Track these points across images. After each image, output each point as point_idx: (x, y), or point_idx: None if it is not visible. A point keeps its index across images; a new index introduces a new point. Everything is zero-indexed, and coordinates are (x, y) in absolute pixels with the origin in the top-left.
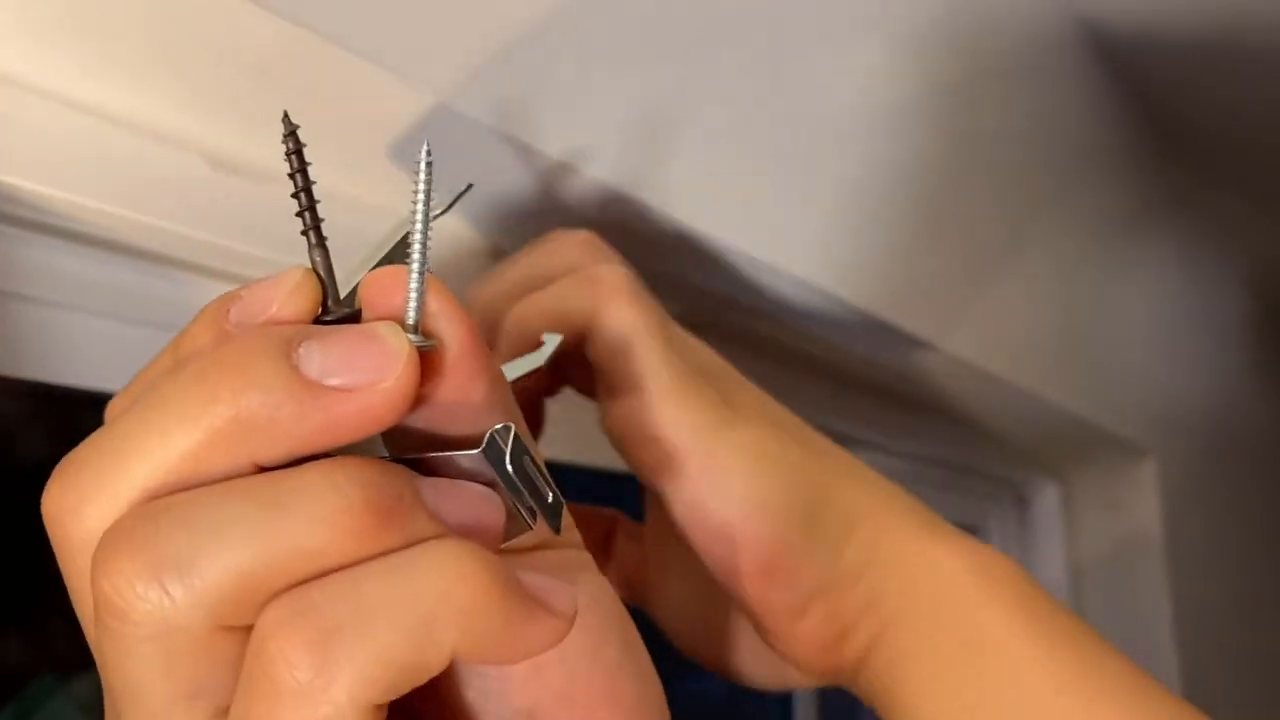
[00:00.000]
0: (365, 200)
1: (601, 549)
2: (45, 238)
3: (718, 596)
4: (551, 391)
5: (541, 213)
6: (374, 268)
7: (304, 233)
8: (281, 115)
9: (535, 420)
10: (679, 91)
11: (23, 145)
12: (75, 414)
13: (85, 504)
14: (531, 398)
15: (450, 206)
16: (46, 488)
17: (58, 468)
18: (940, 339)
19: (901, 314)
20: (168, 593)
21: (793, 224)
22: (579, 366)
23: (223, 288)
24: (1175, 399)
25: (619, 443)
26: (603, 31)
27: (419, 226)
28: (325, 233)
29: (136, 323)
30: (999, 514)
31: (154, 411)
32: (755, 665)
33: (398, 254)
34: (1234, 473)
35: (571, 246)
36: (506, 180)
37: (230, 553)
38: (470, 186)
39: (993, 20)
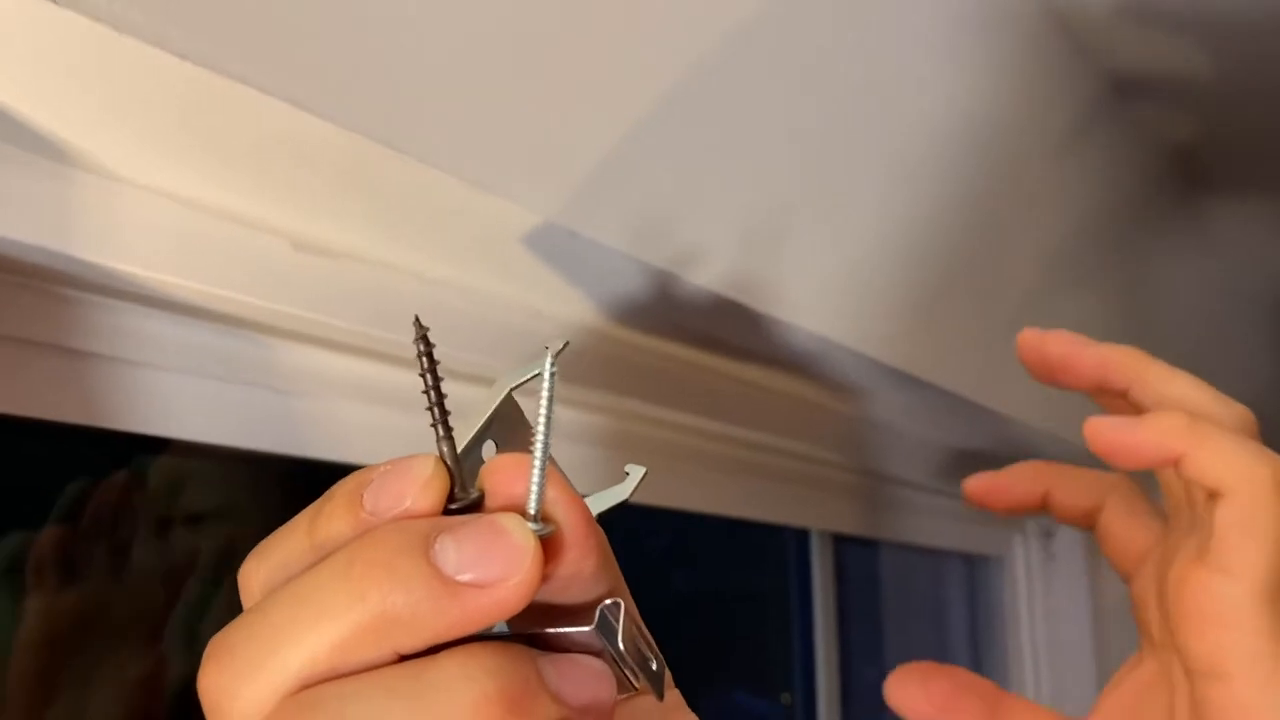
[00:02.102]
0: (427, 274)
1: None
2: (153, 311)
3: None
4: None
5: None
6: (477, 432)
7: (433, 425)
8: (413, 319)
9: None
10: (758, 194)
11: (137, 235)
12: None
13: (241, 687)
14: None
15: (554, 376)
16: (203, 666)
17: (211, 647)
18: (975, 394)
19: (944, 376)
20: None
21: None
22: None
23: (305, 351)
24: None
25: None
26: (689, 151)
27: (542, 425)
28: (451, 423)
29: (230, 381)
30: (1024, 546)
31: (304, 604)
32: None
33: (501, 421)
34: None
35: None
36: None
37: None
38: (566, 344)
39: (1026, 78)
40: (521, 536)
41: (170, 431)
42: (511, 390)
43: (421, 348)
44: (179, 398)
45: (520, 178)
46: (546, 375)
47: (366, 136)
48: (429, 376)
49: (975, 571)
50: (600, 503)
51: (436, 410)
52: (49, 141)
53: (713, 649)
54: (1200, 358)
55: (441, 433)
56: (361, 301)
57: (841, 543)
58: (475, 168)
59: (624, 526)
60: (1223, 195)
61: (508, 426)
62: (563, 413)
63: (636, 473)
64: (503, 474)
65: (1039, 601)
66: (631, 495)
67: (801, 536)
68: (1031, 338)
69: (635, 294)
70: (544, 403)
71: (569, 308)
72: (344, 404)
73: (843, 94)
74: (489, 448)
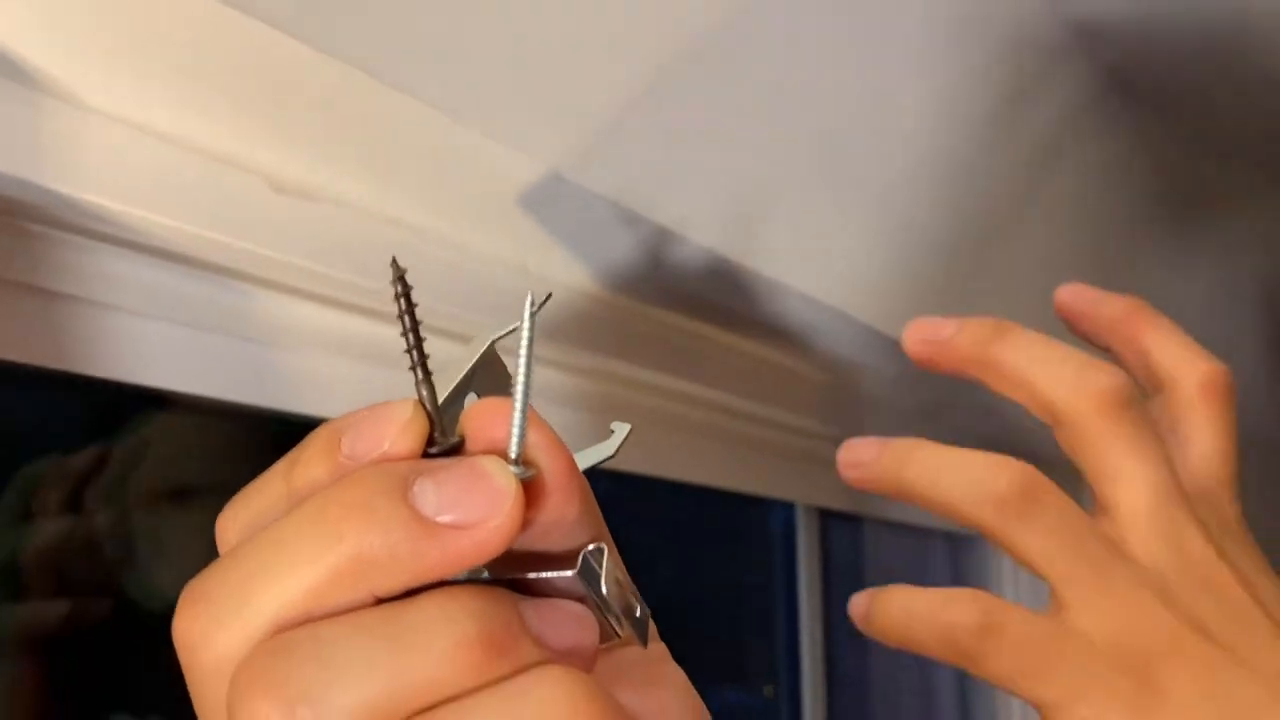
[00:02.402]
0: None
1: None
2: (124, 251)
3: None
4: None
5: (637, 269)
6: (459, 383)
7: (411, 368)
8: (391, 260)
9: None
10: (758, 156)
11: (108, 169)
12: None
13: (216, 632)
14: None
15: (535, 317)
16: (177, 612)
17: (186, 593)
18: None
19: None
20: None
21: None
22: None
23: (282, 300)
24: None
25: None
26: (691, 107)
27: (522, 367)
28: (430, 366)
29: (204, 329)
30: None
31: (280, 548)
32: None
33: (483, 373)
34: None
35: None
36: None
37: (358, 688)
38: (550, 296)
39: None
40: (503, 479)
41: (141, 379)
42: (494, 342)
43: (399, 289)
44: (150, 344)
45: (517, 122)
46: (526, 319)
47: (356, 67)
48: (407, 319)
49: (959, 550)
50: (584, 460)
51: (415, 354)
52: (17, 65)
53: (690, 638)
54: None
55: (420, 376)
56: (343, 249)
57: (827, 521)
58: (469, 107)
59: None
60: (1221, 200)
61: (490, 379)
62: (546, 374)
63: (621, 430)
64: (483, 417)
65: (1024, 578)
66: (616, 453)
67: (788, 519)
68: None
69: (628, 254)
70: (524, 346)
71: (559, 267)
72: (322, 357)
73: (851, 70)
74: (470, 400)
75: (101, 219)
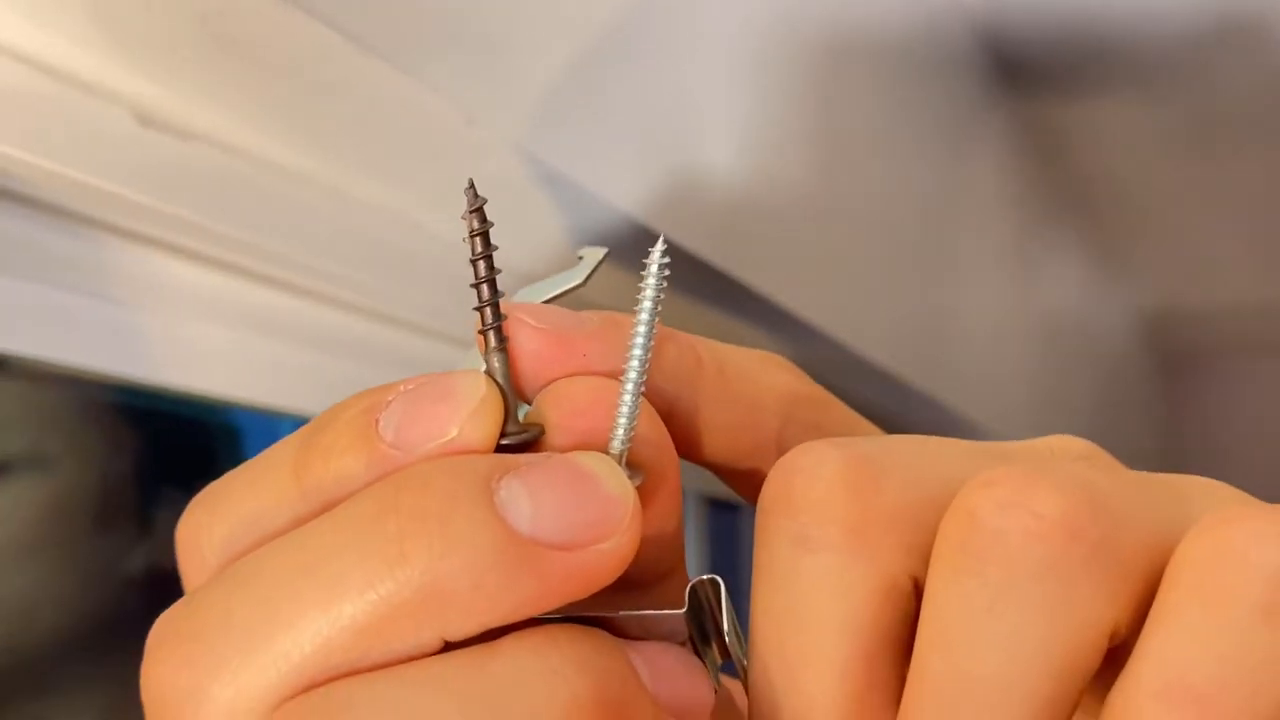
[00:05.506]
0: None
1: None
2: None
3: None
4: None
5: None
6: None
7: (482, 332)
8: (467, 184)
9: None
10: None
11: None
12: None
13: (216, 688)
14: None
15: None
16: (149, 657)
17: (163, 631)
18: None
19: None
20: None
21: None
22: None
23: (145, 253)
24: (1039, 396)
25: None
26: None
27: (640, 338)
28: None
29: (55, 286)
30: None
31: (311, 572)
32: None
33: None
34: None
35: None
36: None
37: None
38: (608, 252)
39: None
40: (617, 486)
41: None
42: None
43: (475, 225)
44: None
45: (434, 59)
46: (653, 272)
47: None
48: (482, 264)
49: None
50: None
51: (489, 311)
52: None
53: None
54: (1047, 348)
55: (494, 342)
56: (220, 199)
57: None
58: (404, 51)
59: None
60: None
61: None
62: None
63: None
64: (575, 400)
65: None
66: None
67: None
68: None
69: (540, 215)
70: (645, 310)
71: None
72: (194, 323)
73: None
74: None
75: None
